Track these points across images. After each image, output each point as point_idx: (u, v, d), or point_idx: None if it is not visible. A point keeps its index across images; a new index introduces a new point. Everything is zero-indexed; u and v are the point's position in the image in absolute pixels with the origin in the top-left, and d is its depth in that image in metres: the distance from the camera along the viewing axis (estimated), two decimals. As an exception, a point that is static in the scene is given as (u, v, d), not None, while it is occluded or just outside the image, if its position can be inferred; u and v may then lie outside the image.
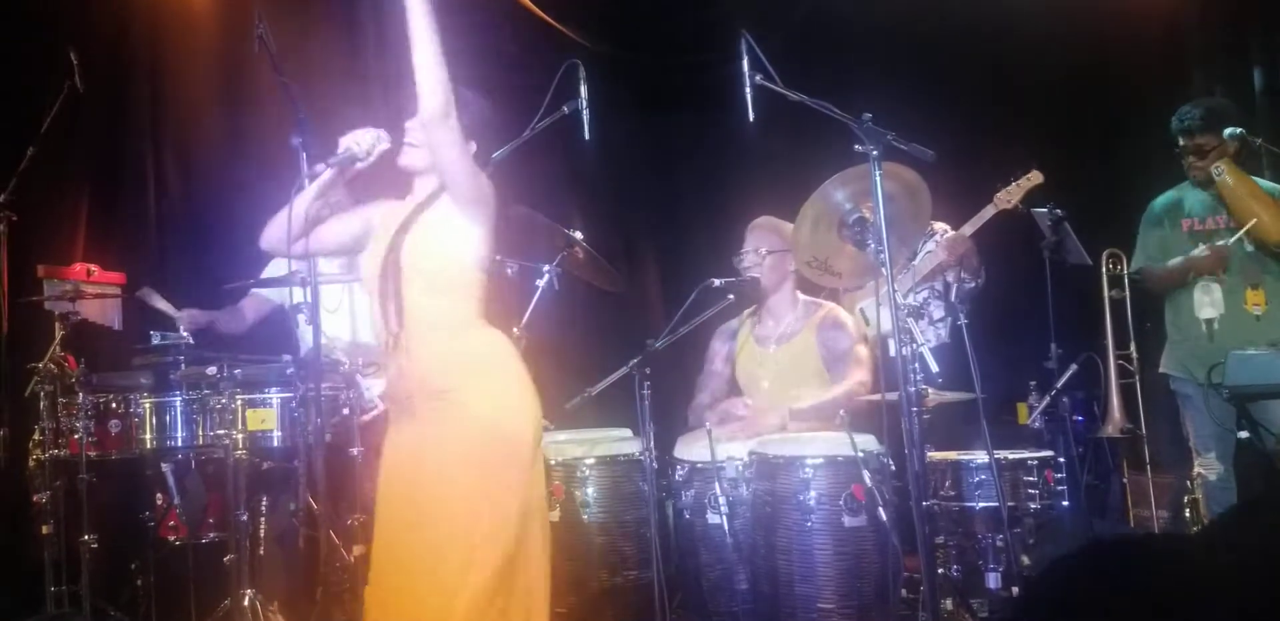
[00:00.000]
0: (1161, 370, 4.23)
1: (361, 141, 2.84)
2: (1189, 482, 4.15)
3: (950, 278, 4.28)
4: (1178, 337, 4.20)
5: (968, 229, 4.29)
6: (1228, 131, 4.04)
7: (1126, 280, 4.44)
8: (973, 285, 4.18)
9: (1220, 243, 4.01)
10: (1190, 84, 5.23)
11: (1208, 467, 4.09)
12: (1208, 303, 4.11)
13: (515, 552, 2.66)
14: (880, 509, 3.07)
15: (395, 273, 2.79)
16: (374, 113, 5.25)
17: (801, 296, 3.93)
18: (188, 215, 4.97)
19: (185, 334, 3.85)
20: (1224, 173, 3.97)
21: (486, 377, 2.77)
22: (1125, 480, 4.31)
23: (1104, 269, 4.43)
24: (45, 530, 3.80)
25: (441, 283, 2.79)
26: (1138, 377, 4.40)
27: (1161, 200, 4.30)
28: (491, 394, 2.75)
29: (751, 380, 3.89)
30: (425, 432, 2.75)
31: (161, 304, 4.16)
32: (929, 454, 3.13)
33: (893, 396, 2.97)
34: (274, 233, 2.94)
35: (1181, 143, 4.13)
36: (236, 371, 3.69)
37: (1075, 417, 4.59)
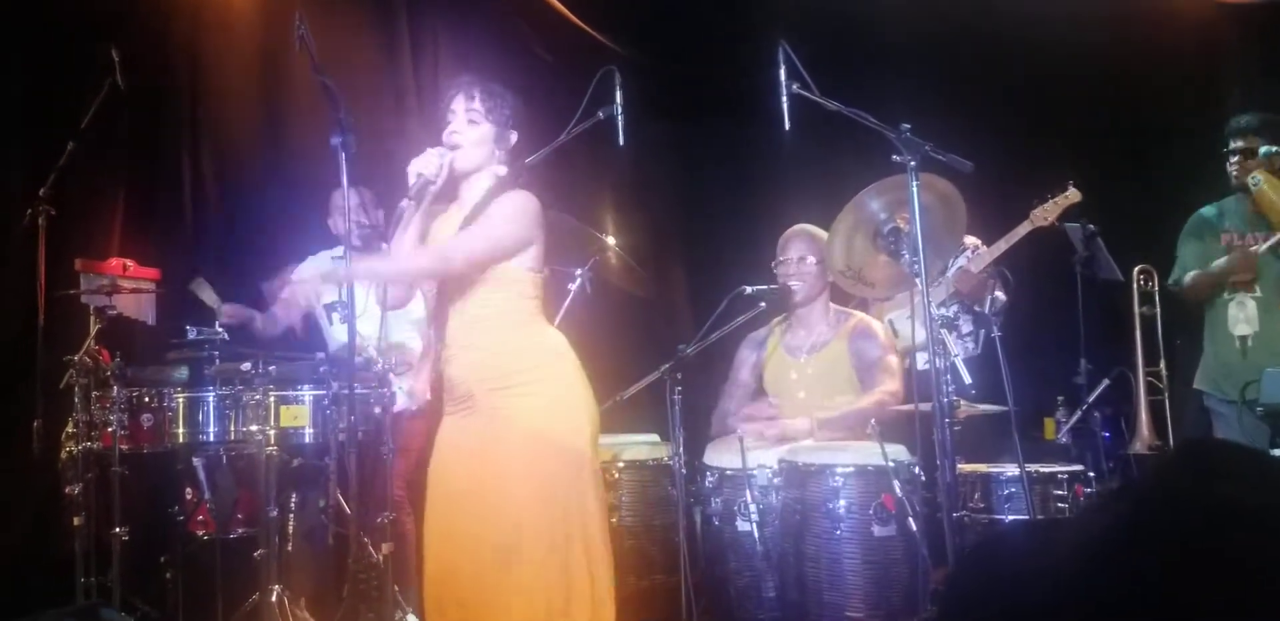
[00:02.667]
0: (1195, 386, 4.21)
1: (429, 165, 2.89)
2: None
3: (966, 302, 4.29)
4: (1212, 354, 4.18)
5: (1002, 245, 4.29)
6: (1263, 150, 4.02)
7: (1157, 296, 4.43)
8: (1003, 301, 4.18)
9: (1253, 248, 3.99)
10: (1226, 102, 5.21)
11: None
12: (1242, 319, 4.09)
13: (567, 550, 2.71)
14: (910, 519, 3.07)
15: (452, 280, 2.87)
16: (408, 114, 5.31)
17: (833, 306, 3.93)
18: (224, 213, 5.01)
19: (220, 329, 3.88)
20: (1261, 182, 3.95)
21: (547, 373, 2.84)
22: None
23: (1135, 285, 4.42)
24: (76, 522, 3.83)
25: (498, 281, 2.86)
26: (1167, 394, 4.39)
27: (1203, 212, 4.28)
28: (552, 390, 2.82)
29: (782, 389, 3.88)
30: (485, 427, 2.81)
31: (209, 296, 4.18)
32: (959, 465, 3.13)
33: (925, 407, 2.98)
34: (397, 295, 3.05)
35: (1233, 144, 4.10)
36: (270, 368, 3.71)
37: (1102, 434, 4.57)
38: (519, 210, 2.88)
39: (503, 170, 3.00)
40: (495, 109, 2.95)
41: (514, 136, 3.00)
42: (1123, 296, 4.49)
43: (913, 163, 2.95)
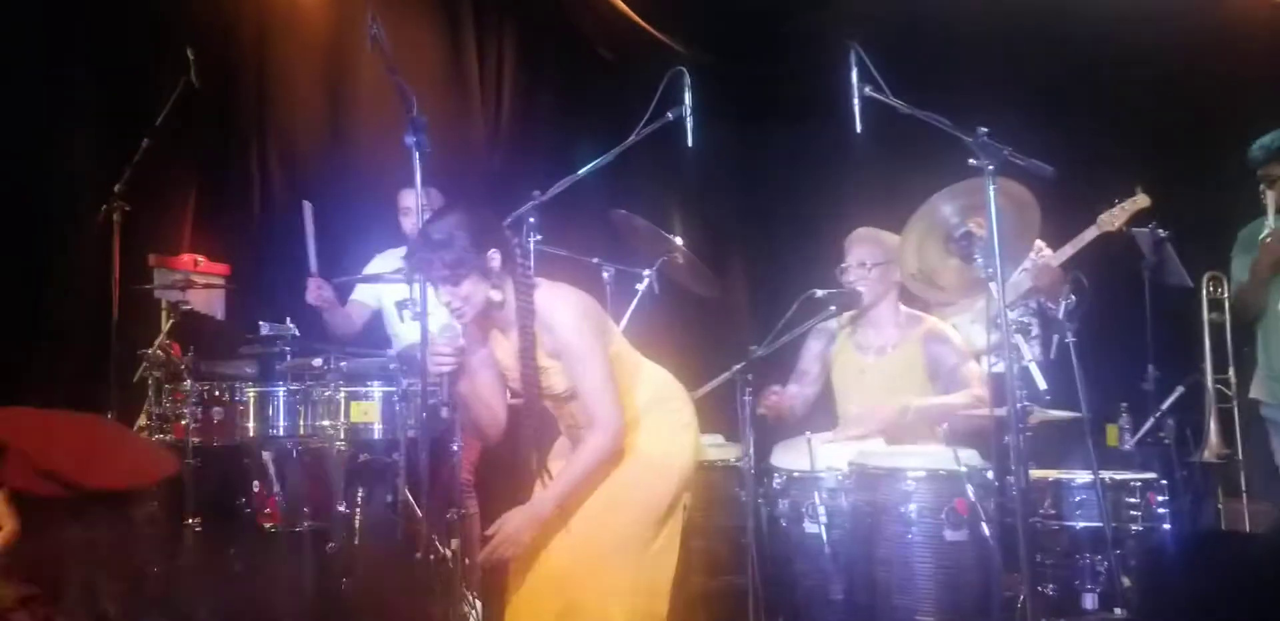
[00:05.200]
0: (1251, 395, 4.18)
1: (447, 360, 2.86)
2: (1284, 510, 4.11)
3: (1042, 301, 4.24)
4: (1264, 362, 4.12)
5: (1069, 249, 4.26)
6: None
7: (1227, 303, 4.37)
8: (1073, 305, 4.14)
9: (1265, 237, 3.90)
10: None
11: None
12: None
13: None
14: (984, 524, 3.06)
15: (534, 376, 2.85)
16: (474, 115, 5.36)
17: (903, 308, 3.91)
18: (292, 210, 5.08)
19: (292, 326, 3.94)
20: None
21: (660, 415, 2.89)
22: (1220, 506, 4.25)
23: (1204, 291, 4.37)
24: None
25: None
26: (1235, 402, 4.34)
27: (1248, 229, 4.25)
28: (661, 433, 2.87)
29: (851, 387, 3.87)
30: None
31: (310, 231, 4.13)
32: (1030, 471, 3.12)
33: (999, 412, 2.96)
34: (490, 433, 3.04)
35: (1259, 173, 4.07)
36: (342, 364, 3.78)
37: (1165, 441, 4.52)
38: (577, 318, 2.81)
39: (498, 296, 2.80)
40: (460, 259, 2.74)
41: (494, 256, 2.78)
42: (1192, 303, 4.44)
43: (991, 167, 2.93)
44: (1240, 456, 4.29)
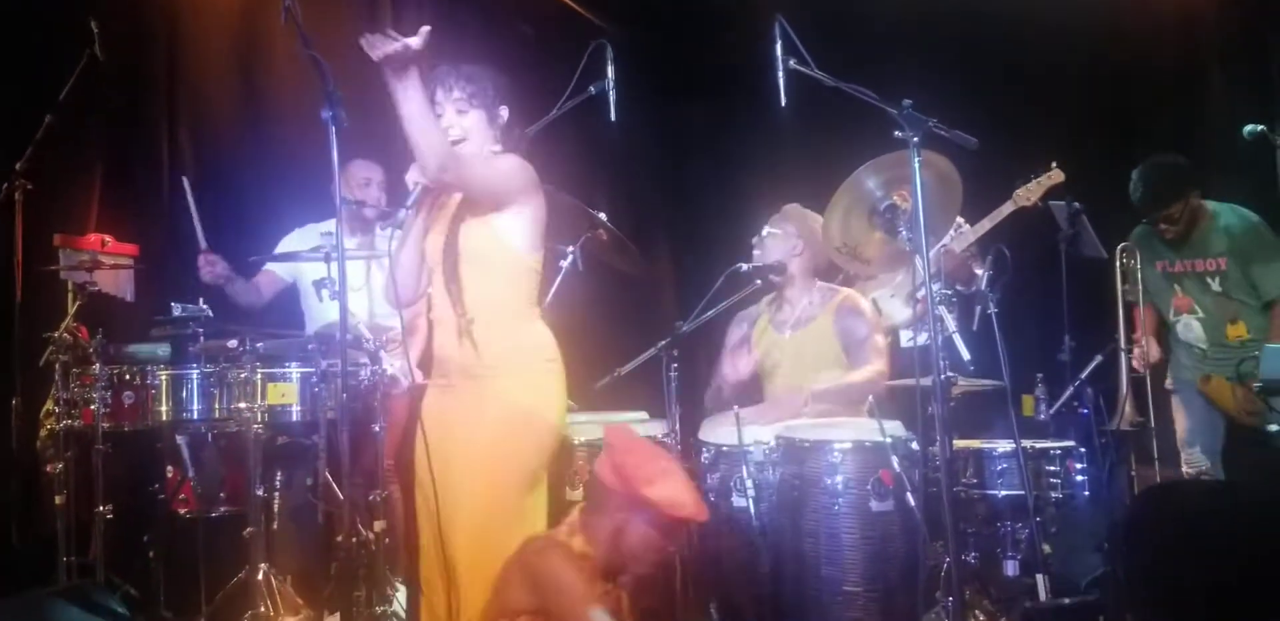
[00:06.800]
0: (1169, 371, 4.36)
1: None
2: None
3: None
4: (1172, 343, 4.41)
5: (986, 224, 4.32)
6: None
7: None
8: (994, 277, 4.20)
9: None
10: (1208, 79, 5.27)
11: (1191, 463, 4.29)
12: (1193, 338, 4.36)
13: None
14: (908, 494, 3.09)
15: (454, 257, 2.87)
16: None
17: (819, 282, 3.96)
18: (203, 188, 4.93)
19: (205, 307, 3.82)
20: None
21: (525, 373, 2.88)
22: (1134, 473, 4.35)
23: (1118, 263, 4.45)
24: (58, 501, 3.78)
25: (494, 270, 2.87)
26: (1147, 372, 4.45)
27: (1135, 234, 4.48)
28: (528, 389, 2.86)
29: (771, 365, 3.91)
30: (460, 412, 2.86)
31: (193, 206, 4.07)
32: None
33: (925, 382, 2.99)
34: (407, 293, 2.98)
35: (1148, 214, 4.29)
36: (258, 345, 3.67)
37: (1081, 410, 4.61)
38: (517, 164, 2.90)
39: (498, 148, 2.97)
40: (479, 93, 2.91)
41: (505, 112, 2.97)
42: (1107, 274, 4.52)
43: (915, 139, 2.95)
44: (1153, 424, 4.40)
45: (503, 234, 2.87)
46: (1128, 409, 4.28)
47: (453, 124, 2.88)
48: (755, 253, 3.95)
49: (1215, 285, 4.27)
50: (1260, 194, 4.27)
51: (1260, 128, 4.03)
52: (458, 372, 2.90)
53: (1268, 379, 3.54)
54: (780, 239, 3.87)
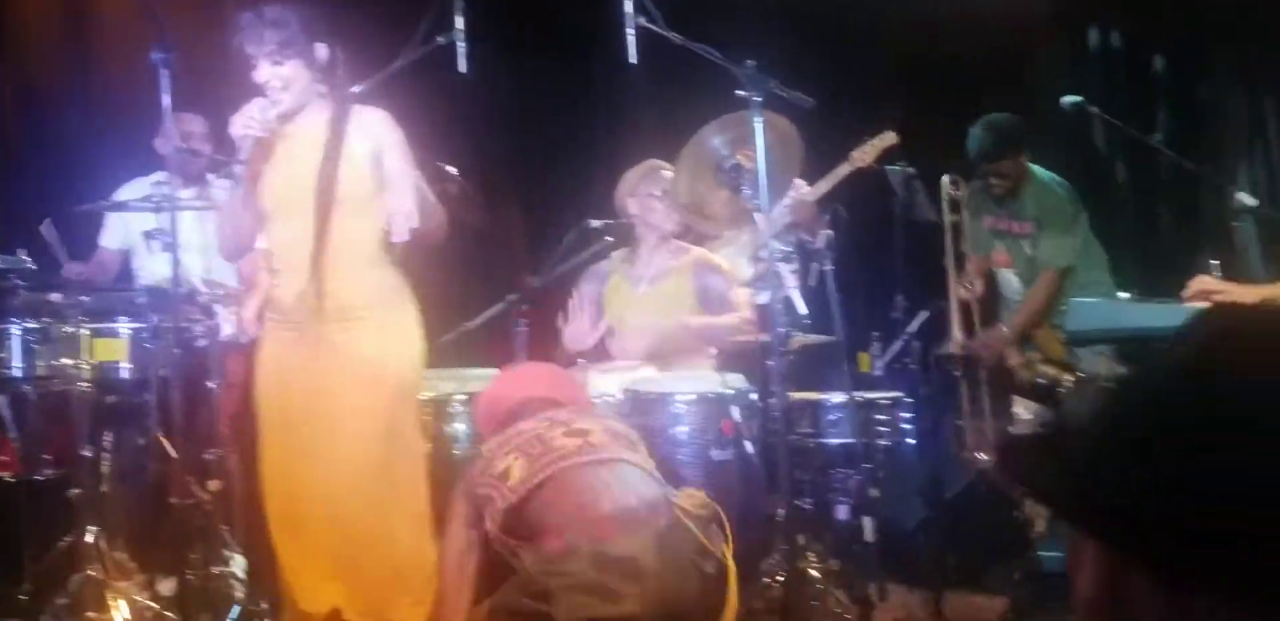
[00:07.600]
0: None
1: (253, 123, 2.76)
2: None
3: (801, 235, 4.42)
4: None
5: (824, 185, 4.44)
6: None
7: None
8: (832, 237, 4.33)
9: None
10: (1044, 46, 5.51)
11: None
12: (1013, 292, 4.62)
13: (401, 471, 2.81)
14: (747, 443, 3.20)
15: (303, 196, 2.83)
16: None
17: (674, 241, 4.00)
18: (24, 135, 4.66)
19: (27, 258, 3.62)
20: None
21: (392, 310, 2.87)
22: (960, 423, 4.57)
23: (945, 195, 4.58)
24: None
25: (345, 210, 2.81)
26: (975, 300, 4.63)
27: (969, 189, 4.61)
28: (395, 327, 2.86)
29: (626, 320, 3.93)
30: (312, 360, 2.82)
31: (55, 244, 3.92)
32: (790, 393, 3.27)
33: (765, 337, 3.09)
34: (227, 249, 3.02)
35: (981, 166, 4.44)
36: (84, 298, 3.50)
37: (911, 366, 4.82)
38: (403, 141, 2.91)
39: (324, 89, 2.91)
40: (290, 40, 2.82)
41: (323, 51, 2.89)
42: (938, 238, 4.70)
43: (757, 98, 3.02)
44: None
45: (354, 172, 2.83)
46: (957, 333, 4.46)
47: (270, 77, 2.81)
48: (640, 207, 3.92)
49: (1027, 248, 4.52)
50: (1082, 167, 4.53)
51: (1079, 99, 4.23)
52: (308, 320, 2.83)
53: (1072, 331, 3.71)
54: (662, 198, 3.86)
